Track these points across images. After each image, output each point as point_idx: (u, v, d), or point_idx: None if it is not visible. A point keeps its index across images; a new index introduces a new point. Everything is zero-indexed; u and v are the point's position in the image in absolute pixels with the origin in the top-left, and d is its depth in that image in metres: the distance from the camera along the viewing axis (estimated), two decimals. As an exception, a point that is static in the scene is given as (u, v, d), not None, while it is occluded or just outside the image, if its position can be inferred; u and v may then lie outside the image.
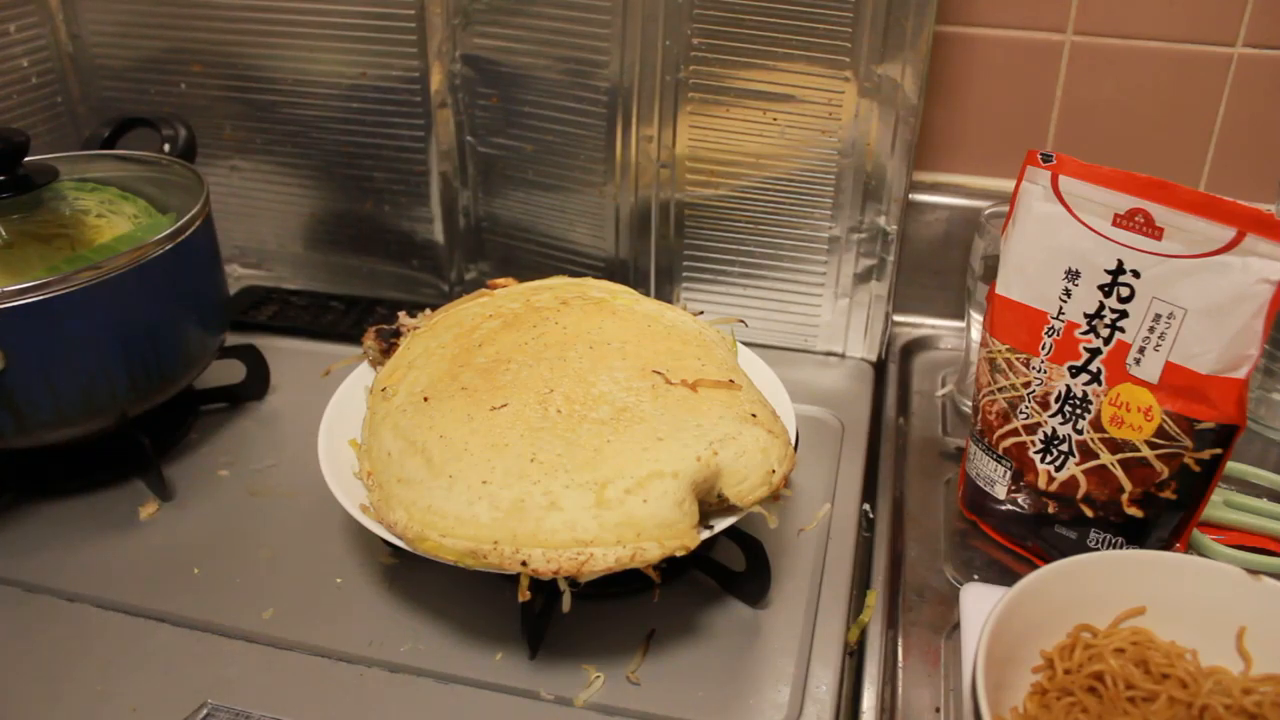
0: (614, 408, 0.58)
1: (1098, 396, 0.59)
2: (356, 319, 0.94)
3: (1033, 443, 0.63)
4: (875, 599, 0.63)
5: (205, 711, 0.56)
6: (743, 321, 0.80)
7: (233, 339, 0.81)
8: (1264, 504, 0.68)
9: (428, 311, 0.73)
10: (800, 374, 0.86)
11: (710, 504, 0.56)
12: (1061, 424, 0.61)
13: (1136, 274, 0.56)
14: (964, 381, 0.82)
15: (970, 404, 0.72)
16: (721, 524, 0.56)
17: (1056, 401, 0.61)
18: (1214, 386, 0.55)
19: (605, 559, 0.52)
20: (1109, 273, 0.57)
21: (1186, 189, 0.54)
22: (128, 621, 0.62)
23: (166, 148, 0.80)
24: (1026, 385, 0.62)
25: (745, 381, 0.63)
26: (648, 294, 0.83)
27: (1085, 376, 0.59)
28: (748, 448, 0.55)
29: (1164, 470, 0.58)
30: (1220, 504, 0.67)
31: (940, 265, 0.91)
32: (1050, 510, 0.63)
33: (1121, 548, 0.61)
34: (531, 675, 0.58)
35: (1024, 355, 0.62)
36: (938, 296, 0.92)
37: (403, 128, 0.88)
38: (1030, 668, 0.52)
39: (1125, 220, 0.56)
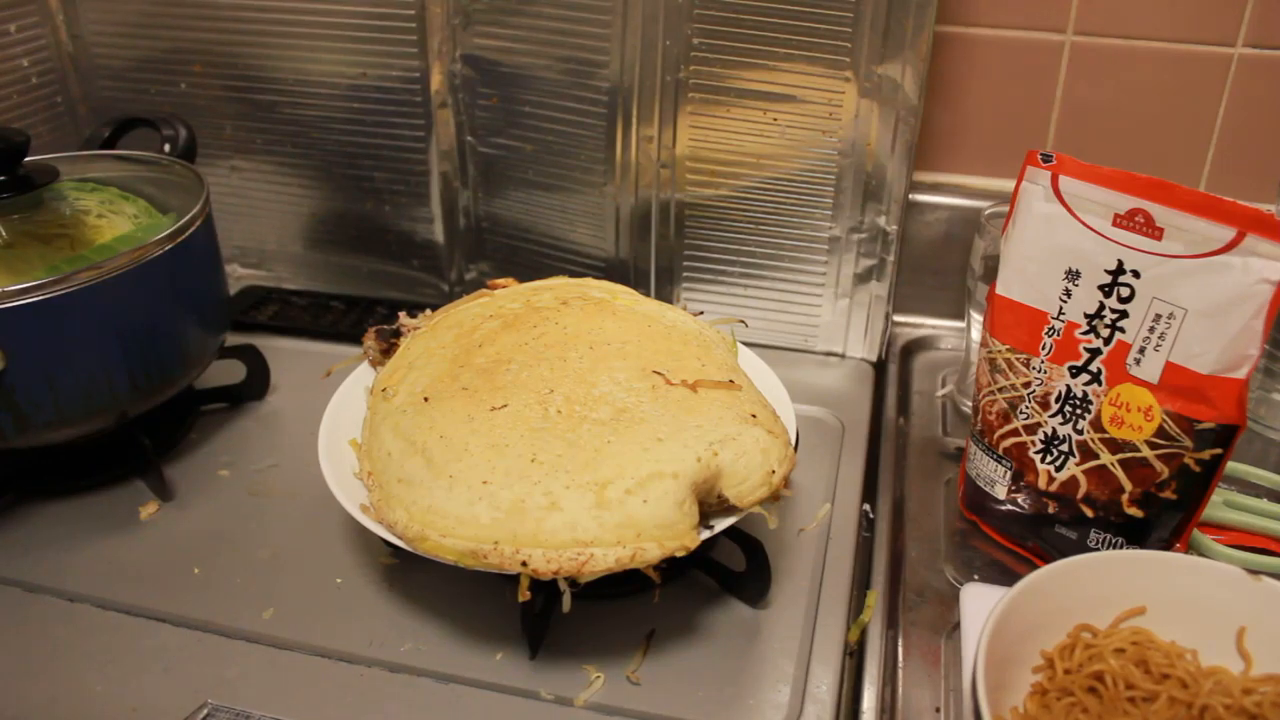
0: (614, 408, 0.58)
1: (1098, 396, 0.59)
2: (356, 319, 0.94)
3: (1033, 443, 0.63)
4: (875, 599, 0.63)
5: (205, 711, 0.56)
6: (743, 321, 0.80)
7: (233, 339, 0.81)
8: (1264, 504, 0.68)
9: (428, 312, 0.73)
10: (800, 374, 0.86)
11: (710, 504, 0.56)
12: (1061, 424, 0.61)
13: (1136, 274, 0.56)
14: (964, 381, 0.82)
15: (970, 404, 0.72)
16: (721, 524, 0.56)
17: (1056, 401, 0.61)
18: (1214, 386, 0.55)
19: (605, 559, 0.52)
20: (1109, 273, 0.57)
21: (1186, 189, 0.54)
22: (128, 621, 0.62)
23: (166, 148, 0.80)
24: (1026, 385, 0.62)
25: (745, 382, 0.63)
26: (648, 294, 0.83)
27: (1085, 376, 0.59)
28: (748, 448, 0.55)
29: (1164, 470, 0.58)
30: (1220, 504, 0.67)
31: (940, 265, 0.92)
32: (1050, 510, 0.63)
33: (1121, 548, 0.61)
34: (531, 675, 0.58)
35: (1024, 355, 0.62)
36: (938, 296, 0.92)
37: (403, 128, 0.88)
38: (1030, 668, 0.52)
39: (1125, 220, 0.56)
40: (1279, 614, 0.51)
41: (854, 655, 0.61)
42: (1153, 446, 0.57)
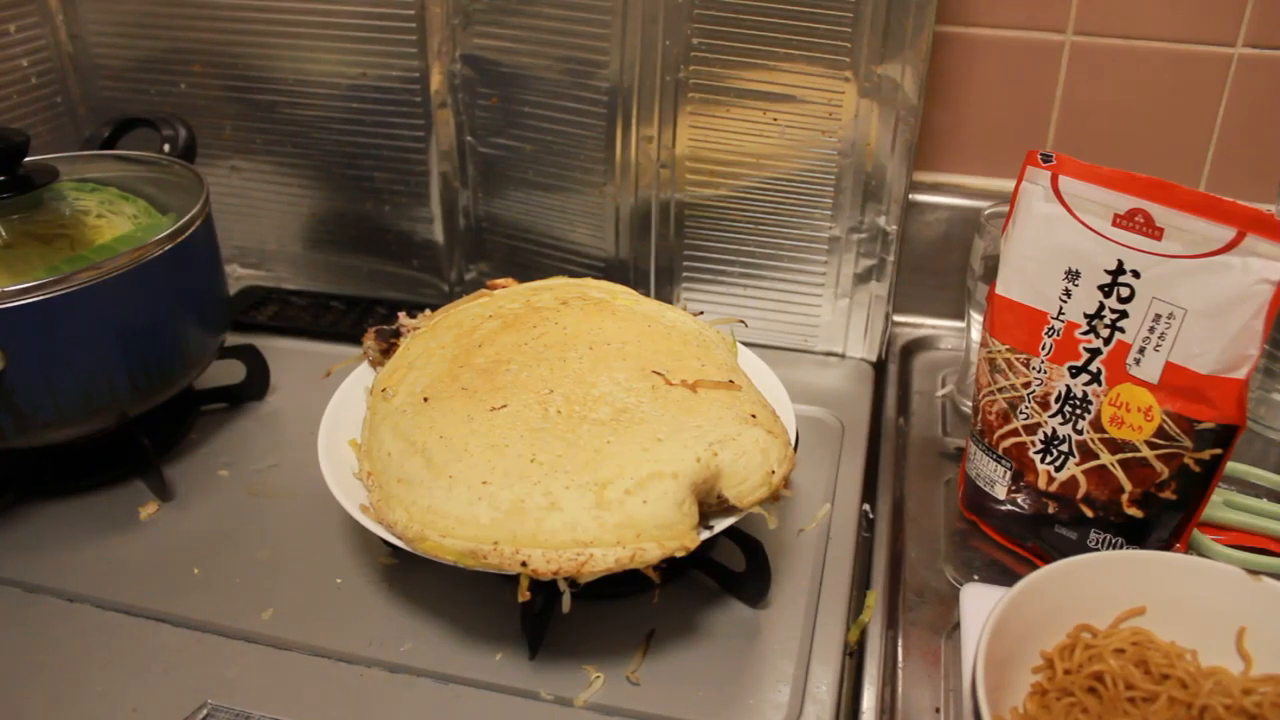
0: (614, 408, 0.58)
1: (1098, 397, 0.59)
2: (356, 319, 0.94)
3: (1033, 443, 0.63)
4: (875, 599, 0.63)
5: (205, 711, 0.56)
6: (743, 321, 0.80)
7: (233, 339, 0.81)
8: (1264, 504, 0.68)
9: (428, 312, 0.73)
10: (800, 374, 0.86)
11: (710, 504, 0.56)
12: (1061, 424, 0.61)
13: (1136, 274, 0.56)
14: (964, 381, 0.82)
15: (970, 404, 0.72)
16: (721, 524, 0.56)
17: (1056, 402, 0.61)
18: (1214, 386, 0.55)
19: (605, 559, 0.52)
20: (1109, 273, 0.57)
21: (1186, 189, 0.54)
22: (128, 621, 0.62)
23: (166, 148, 0.80)
24: (1026, 385, 0.62)
25: (745, 382, 0.63)
26: (648, 294, 0.83)
27: (1085, 377, 0.59)
28: (747, 448, 0.55)
29: (1164, 470, 0.58)
30: (1220, 504, 0.67)
31: (940, 265, 0.91)
32: (1050, 510, 0.63)
33: (1121, 548, 0.61)
34: (531, 675, 0.58)
35: (1024, 355, 0.62)
36: (938, 296, 0.92)
37: (403, 128, 0.88)
38: (1030, 668, 0.52)
39: (1125, 220, 0.56)
40: (1279, 614, 0.51)
41: (854, 655, 0.61)
42: (1152, 446, 0.57)
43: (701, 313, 0.74)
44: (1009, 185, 0.62)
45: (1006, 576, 0.59)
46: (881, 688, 0.58)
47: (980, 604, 0.53)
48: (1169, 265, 0.55)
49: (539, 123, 0.85)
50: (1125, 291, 0.57)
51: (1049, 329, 0.60)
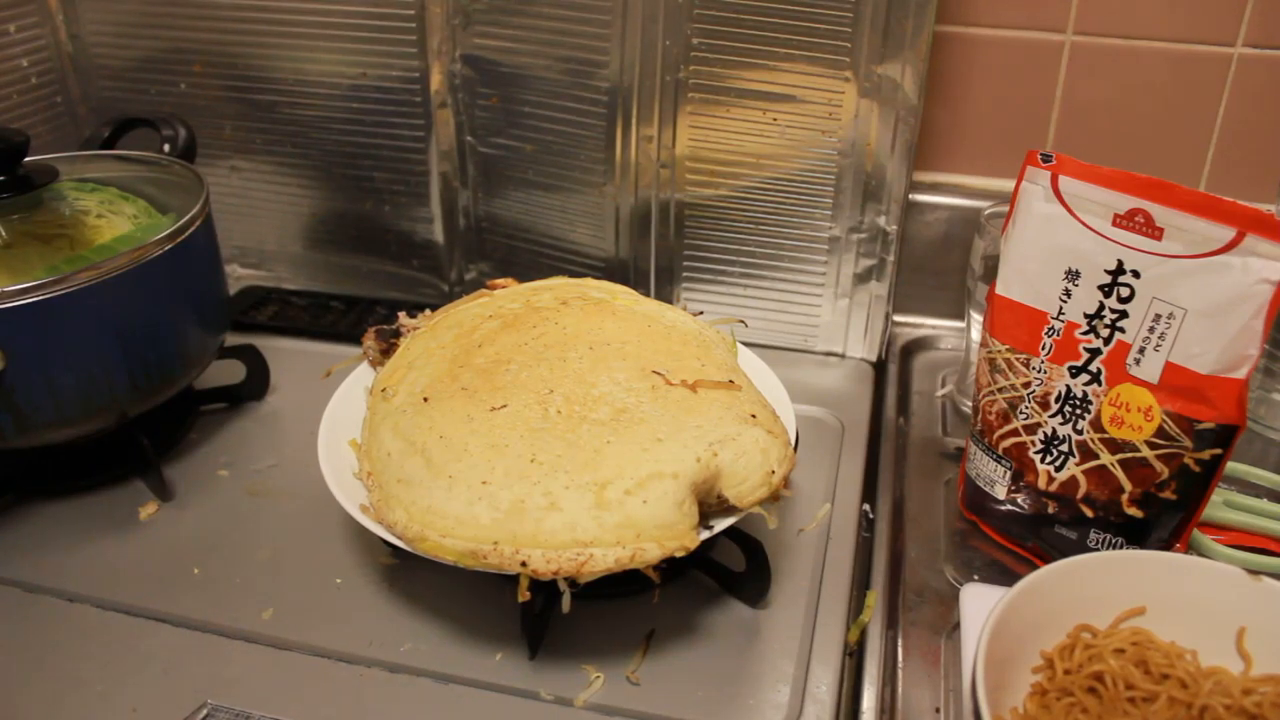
0: (614, 408, 0.58)
1: (1098, 397, 0.59)
2: (356, 319, 0.94)
3: (1033, 443, 0.63)
4: (875, 599, 0.63)
5: (205, 711, 0.56)
6: (743, 321, 0.80)
7: (233, 339, 0.81)
8: (1264, 504, 0.68)
9: (428, 312, 0.73)
10: (800, 374, 0.86)
11: (710, 504, 0.56)
12: (1061, 424, 0.61)
13: (1136, 274, 0.56)
14: (964, 381, 0.82)
15: (970, 404, 0.72)
16: (721, 525, 0.56)
17: (1056, 402, 0.61)
18: (1214, 386, 0.55)
19: (605, 560, 0.52)
20: (1109, 273, 0.57)
21: (1186, 189, 0.54)
22: (128, 621, 0.62)
23: (166, 148, 0.80)
24: (1026, 385, 0.62)
25: (745, 382, 0.63)
26: (648, 294, 0.83)
27: (1085, 377, 0.59)
28: (747, 448, 0.55)
29: (1164, 470, 0.58)
30: (1220, 504, 0.67)
31: (940, 265, 0.91)
32: (1050, 510, 0.63)
33: (1121, 548, 0.61)
34: (531, 675, 0.58)
35: (1024, 355, 0.62)
36: (938, 296, 0.92)
37: (403, 128, 0.88)
38: (1030, 668, 0.52)
39: (1125, 220, 0.56)
40: (1279, 614, 0.51)
41: (854, 655, 0.61)
42: (1152, 446, 0.57)
43: (701, 313, 0.74)
44: (1009, 185, 0.62)
45: (1006, 576, 0.59)
46: (881, 688, 0.58)
47: (980, 604, 0.53)
48: (1169, 265, 0.55)
49: (539, 123, 0.85)
50: (1125, 291, 0.57)
51: (1049, 329, 0.60)
